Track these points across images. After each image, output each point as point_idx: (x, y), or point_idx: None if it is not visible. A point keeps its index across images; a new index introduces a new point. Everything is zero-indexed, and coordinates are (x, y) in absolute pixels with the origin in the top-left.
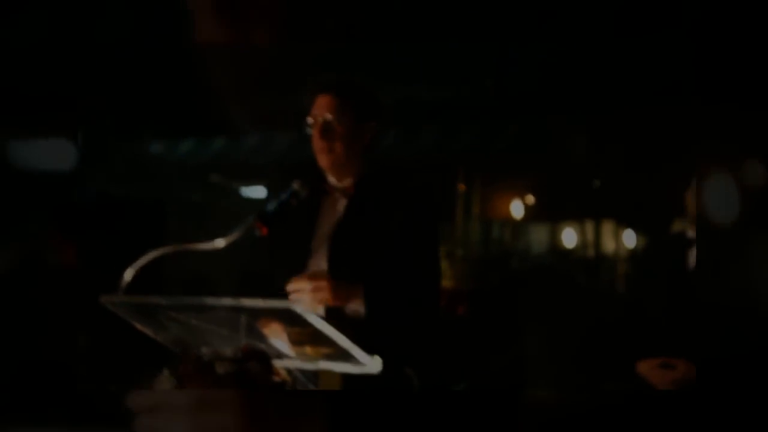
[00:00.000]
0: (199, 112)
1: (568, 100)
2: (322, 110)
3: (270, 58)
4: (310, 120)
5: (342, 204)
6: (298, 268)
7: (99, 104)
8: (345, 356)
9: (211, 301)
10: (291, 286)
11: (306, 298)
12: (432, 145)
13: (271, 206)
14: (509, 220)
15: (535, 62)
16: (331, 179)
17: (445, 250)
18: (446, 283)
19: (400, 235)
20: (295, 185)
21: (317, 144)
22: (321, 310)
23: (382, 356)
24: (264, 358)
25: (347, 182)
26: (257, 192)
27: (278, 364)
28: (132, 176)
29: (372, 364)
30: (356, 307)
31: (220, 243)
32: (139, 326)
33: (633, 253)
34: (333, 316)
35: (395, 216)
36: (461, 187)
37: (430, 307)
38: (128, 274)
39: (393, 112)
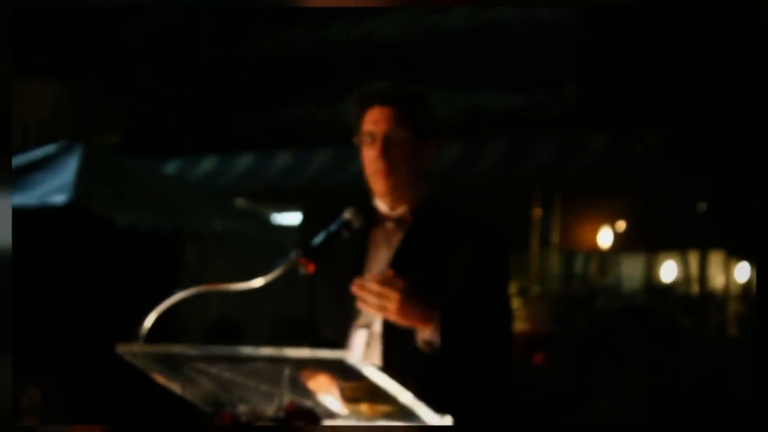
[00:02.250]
0: (221, 125)
1: (667, 107)
2: (381, 124)
3: (308, 61)
4: (365, 137)
5: (397, 237)
6: (346, 312)
7: (100, 116)
8: (408, 415)
9: (248, 351)
10: (356, 284)
11: (369, 303)
12: (502, 161)
13: (318, 239)
14: (595, 250)
15: (627, 62)
16: (382, 207)
17: (518, 287)
18: (520, 326)
19: (467, 273)
20: (347, 214)
21: (375, 164)
22: (377, 326)
23: (452, 414)
24: (312, 417)
25: (402, 210)
26: (289, 219)
27: (329, 424)
28: (141, 201)
29: (441, 424)
30: (427, 335)
31: (258, 282)
32: (162, 380)
33: (747, 290)
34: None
35: (461, 251)
36: (537, 211)
37: (502, 357)
38: (149, 320)
39: (456, 123)
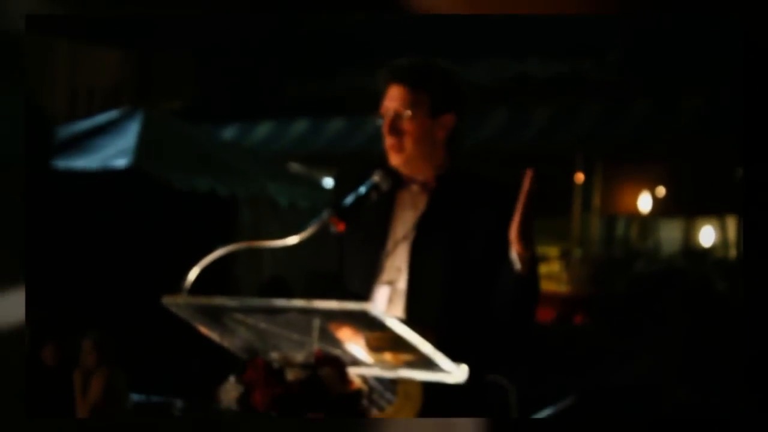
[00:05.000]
0: (278, 92)
1: (708, 75)
2: (392, 103)
3: (362, 30)
4: (380, 112)
5: (422, 200)
6: (372, 269)
7: (162, 83)
8: (427, 364)
9: (281, 302)
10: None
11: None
12: (546, 128)
13: (348, 199)
14: (636, 215)
15: (669, 32)
16: (408, 173)
17: (559, 250)
18: (561, 287)
19: (489, 236)
20: (376, 177)
21: (386, 141)
22: (400, 283)
23: (470, 364)
24: (338, 364)
25: (427, 175)
26: None
27: (354, 371)
28: (198, 165)
29: (457, 373)
30: (526, 253)
31: (292, 240)
32: (203, 330)
33: None
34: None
35: (482, 214)
36: (579, 176)
37: (527, 317)
38: (192, 274)
39: (503, 90)
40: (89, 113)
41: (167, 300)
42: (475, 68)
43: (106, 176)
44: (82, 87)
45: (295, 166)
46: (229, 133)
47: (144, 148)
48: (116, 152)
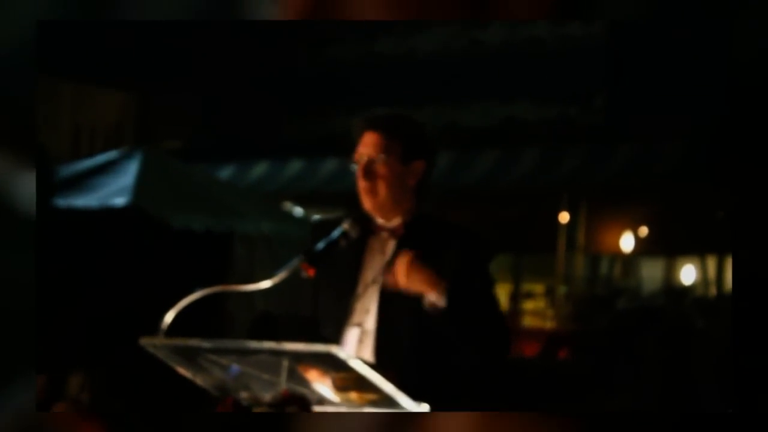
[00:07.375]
0: (274, 132)
1: (689, 121)
2: (367, 149)
3: (356, 73)
4: (355, 158)
5: (390, 246)
6: (344, 312)
7: (160, 122)
8: (390, 403)
9: (252, 344)
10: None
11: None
12: (533, 169)
13: (319, 246)
14: (619, 254)
15: (652, 78)
16: (379, 219)
17: (545, 287)
18: (546, 324)
19: (454, 277)
20: (346, 225)
21: (360, 184)
22: (368, 325)
23: (436, 402)
24: (304, 403)
25: (396, 222)
26: None
27: (320, 410)
28: (195, 204)
29: (418, 411)
30: (433, 298)
31: (265, 284)
32: (179, 369)
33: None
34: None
35: (447, 258)
36: (564, 216)
37: (488, 351)
38: (169, 316)
39: (492, 133)
40: (91, 152)
41: (145, 341)
42: (465, 111)
43: (106, 214)
44: (85, 126)
45: (289, 205)
46: (225, 172)
47: (142, 187)
48: (115, 191)
